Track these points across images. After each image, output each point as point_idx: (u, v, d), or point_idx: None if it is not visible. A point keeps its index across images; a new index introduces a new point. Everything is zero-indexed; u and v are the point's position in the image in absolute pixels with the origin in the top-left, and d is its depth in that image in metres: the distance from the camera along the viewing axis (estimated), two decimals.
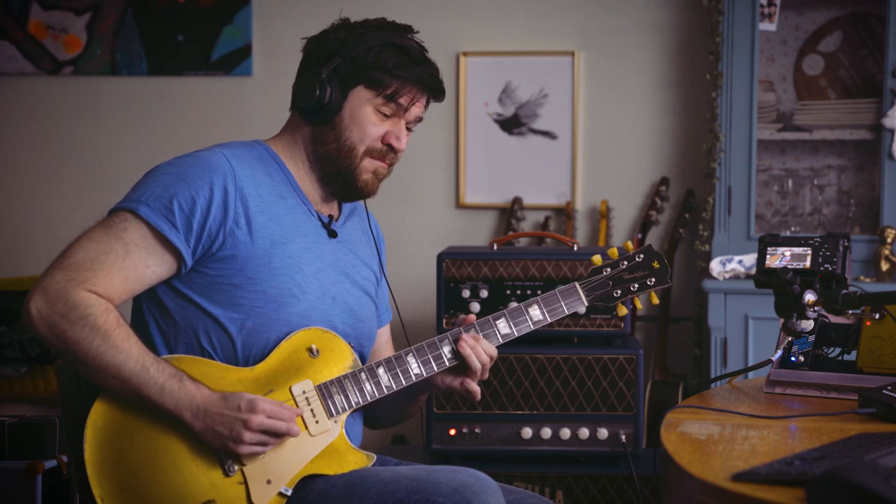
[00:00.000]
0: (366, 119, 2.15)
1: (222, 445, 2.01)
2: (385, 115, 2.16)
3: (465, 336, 2.16)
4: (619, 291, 2.22)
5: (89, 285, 2.00)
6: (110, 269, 2.02)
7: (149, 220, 2.04)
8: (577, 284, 2.22)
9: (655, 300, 2.27)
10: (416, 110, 2.19)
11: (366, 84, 2.14)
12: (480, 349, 2.16)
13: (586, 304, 2.22)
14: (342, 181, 2.19)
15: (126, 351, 1.99)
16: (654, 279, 2.23)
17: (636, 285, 2.23)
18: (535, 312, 2.20)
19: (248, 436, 2.00)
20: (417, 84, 2.16)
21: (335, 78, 2.13)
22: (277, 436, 2.02)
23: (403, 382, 2.14)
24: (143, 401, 2.01)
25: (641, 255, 2.24)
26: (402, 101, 2.16)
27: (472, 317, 2.21)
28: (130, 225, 2.05)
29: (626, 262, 2.23)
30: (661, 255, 2.24)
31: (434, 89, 2.19)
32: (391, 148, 2.18)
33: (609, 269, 2.23)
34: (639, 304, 2.27)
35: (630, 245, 2.24)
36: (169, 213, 2.05)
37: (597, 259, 2.24)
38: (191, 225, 2.05)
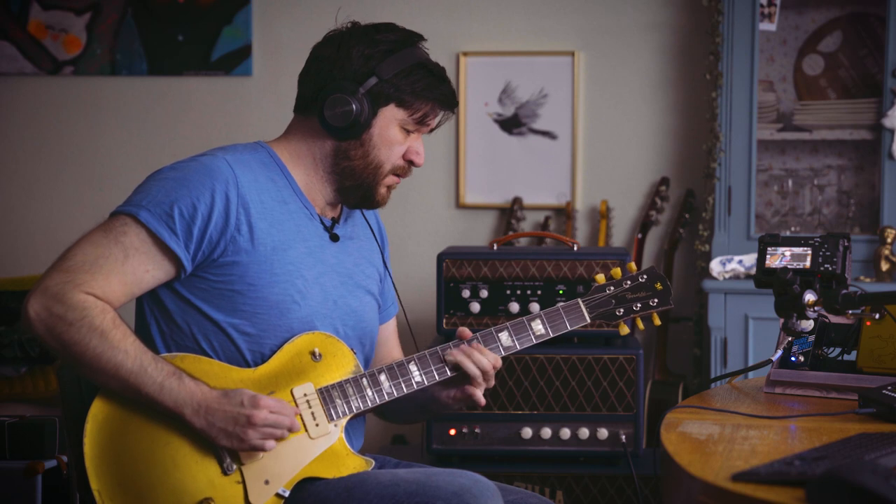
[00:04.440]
0: (394, 138, 2.18)
1: (226, 442, 2.01)
2: (408, 132, 2.19)
3: (454, 350, 2.16)
4: (622, 310, 2.24)
5: (87, 287, 2.00)
6: (109, 273, 2.02)
7: (149, 226, 2.04)
8: (580, 301, 2.23)
9: (657, 321, 2.27)
10: (438, 126, 2.24)
11: (397, 104, 2.16)
12: (478, 355, 2.16)
13: (589, 320, 2.23)
14: (361, 194, 2.21)
15: (124, 350, 1.99)
16: (656, 300, 2.24)
17: (639, 305, 2.24)
18: (538, 327, 2.21)
19: (251, 432, 2.00)
20: (443, 105, 2.20)
21: (367, 95, 2.14)
22: (280, 430, 2.02)
23: (405, 390, 2.14)
24: (143, 399, 2.01)
25: (645, 276, 2.25)
26: (431, 122, 2.20)
27: (467, 332, 2.19)
28: (130, 229, 2.05)
29: (629, 282, 2.25)
30: (664, 277, 2.26)
31: (454, 105, 2.23)
32: (411, 163, 2.22)
33: (612, 288, 2.24)
34: (640, 325, 2.28)
35: (633, 266, 2.26)
36: (169, 219, 2.04)
37: (600, 278, 2.25)
38: (191, 232, 2.05)
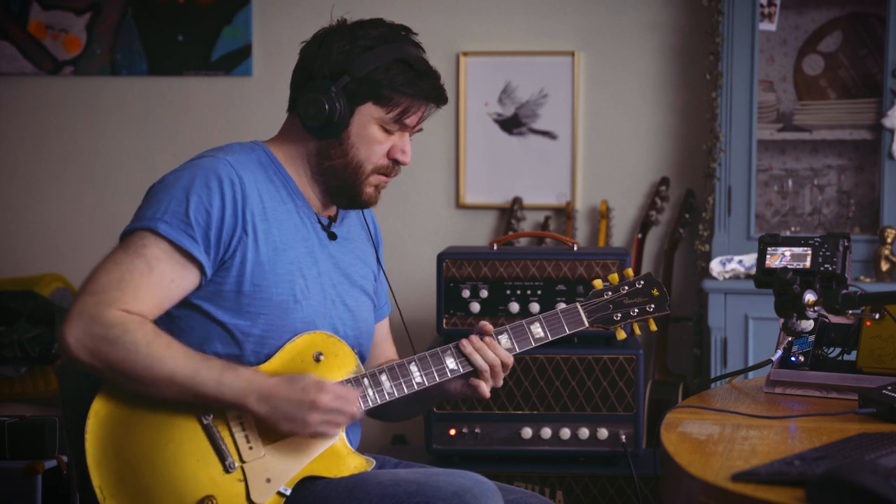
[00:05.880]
0: (373, 137, 2.14)
1: (287, 426, 2.01)
2: (391, 130, 2.16)
3: (465, 340, 2.16)
4: (620, 315, 2.24)
5: (120, 304, 1.99)
6: (137, 287, 2.01)
7: (169, 237, 2.03)
8: (578, 306, 2.24)
9: (653, 327, 2.27)
10: (419, 122, 2.19)
11: (374, 101, 2.13)
12: (488, 352, 2.16)
13: (587, 325, 2.24)
14: (346, 194, 2.19)
15: (172, 357, 1.99)
16: (653, 306, 2.25)
17: (636, 310, 2.24)
18: (538, 330, 2.21)
19: (315, 416, 2.00)
20: (425, 99, 2.15)
21: (343, 94, 2.12)
22: (344, 417, 2.02)
23: (405, 391, 2.14)
24: (202, 401, 2.00)
25: (642, 282, 2.26)
26: (410, 120, 2.15)
27: (488, 326, 2.19)
28: (150, 242, 2.04)
29: (626, 288, 2.25)
30: (660, 283, 2.26)
31: (439, 99, 2.18)
32: (396, 161, 2.18)
33: (610, 293, 2.25)
34: (637, 331, 2.28)
35: (630, 272, 2.27)
36: (188, 227, 2.04)
37: (597, 283, 2.26)
38: (208, 237, 2.05)
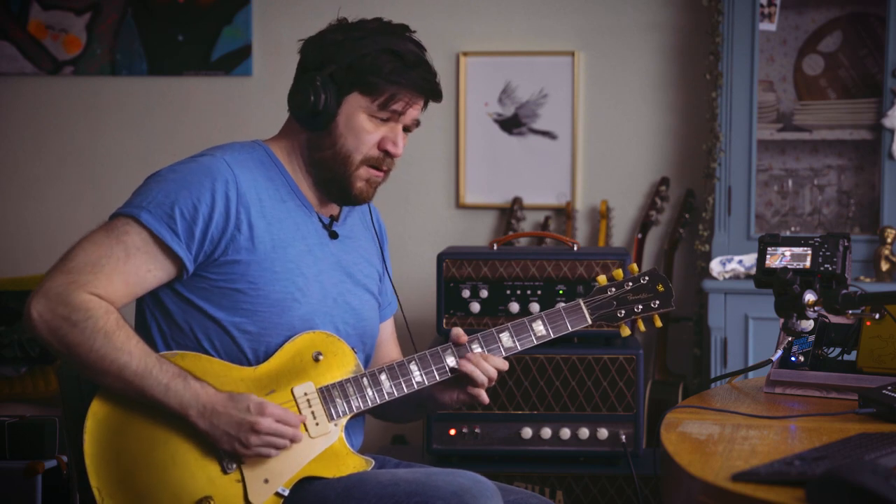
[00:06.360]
0: (361, 127, 2.14)
1: (228, 446, 2.01)
2: (381, 121, 2.15)
3: (468, 355, 2.15)
4: (623, 312, 2.22)
5: (91, 288, 2.00)
6: (111, 272, 2.02)
7: (150, 227, 2.04)
8: (581, 302, 2.22)
9: (658, 323, 2.25)
10: (412, 113, 2.17)
11: (360, 90, 2.12)
12: (486, 365, 2.15)
13: (590, 321, 2.22)
14: (337, 187, 2.18)
15: (128, 352, 1.99)
16: (658, 302, 2.22)
17: (640, 307, 2.22)
18: (539, 328, 2.20)
19: (254, 438, 2.00)
20: (413, 89, 2.14)
21: (330, 84, 2.12)
22: (283, 440, 2.02)
23: (405, 390, 2.14)
24: (147, 401, 2.01)
25: (646, 278, 2.23)
26: (397, 106, 2.14)
27: (463, 335, 2.18)
28: (132, 230, 2.05)
29: (630, 284, 2.23)
30: (665, 278, 2.24)
31: (430, 92, 2.17)
32: (387, 153, 2.17)
33: (613, 290, 2.23)
34: (642, 326, 2.27)
35: (635, 267, 2.24)
36: (170, 220, 2.05)
37: (602, 279, 2.24)
38: (192, 232, 2.05)
